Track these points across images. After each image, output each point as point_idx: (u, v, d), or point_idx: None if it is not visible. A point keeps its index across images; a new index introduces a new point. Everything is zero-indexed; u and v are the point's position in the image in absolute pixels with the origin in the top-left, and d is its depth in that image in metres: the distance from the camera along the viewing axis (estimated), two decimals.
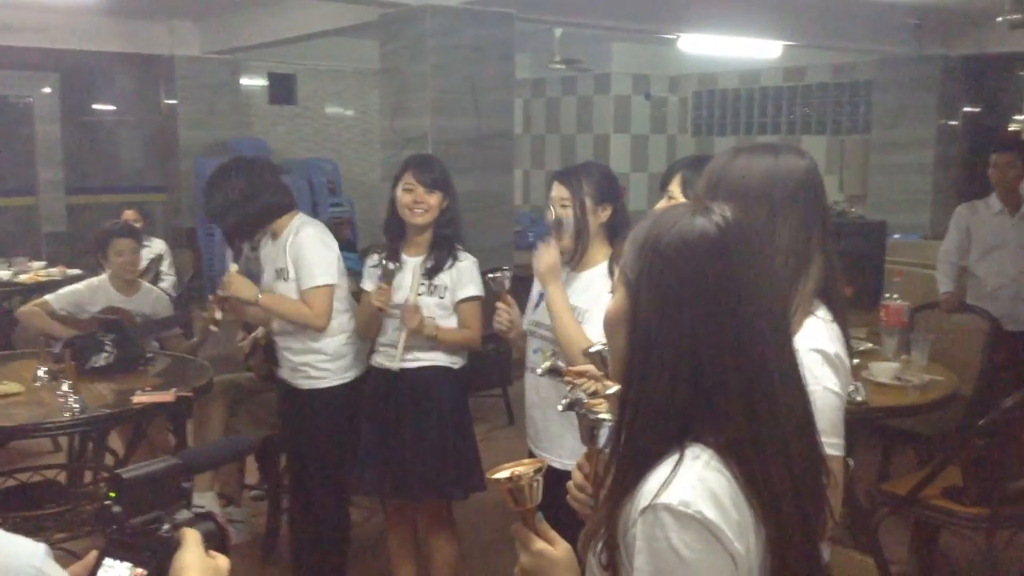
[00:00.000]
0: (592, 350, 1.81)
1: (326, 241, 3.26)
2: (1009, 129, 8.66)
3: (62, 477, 3.83)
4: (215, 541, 1.13)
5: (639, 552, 1.11)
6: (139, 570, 1.07)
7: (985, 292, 4.82)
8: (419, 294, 3.08)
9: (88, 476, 3.95)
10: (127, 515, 1.08)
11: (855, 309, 4.01)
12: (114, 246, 4.32)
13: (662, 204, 2.18)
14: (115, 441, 4.04)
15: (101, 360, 3.64)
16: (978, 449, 3.09)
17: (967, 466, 3.13)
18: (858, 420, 3.09)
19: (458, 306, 3.09)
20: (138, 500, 1.09)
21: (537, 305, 2.80)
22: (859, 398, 3.07)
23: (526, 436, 2.89)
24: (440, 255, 3.09)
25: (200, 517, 1.15)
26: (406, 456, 3.10)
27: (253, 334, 3.75)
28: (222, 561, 1.12)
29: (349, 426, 3.28)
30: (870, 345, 3.86)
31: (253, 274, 3.49)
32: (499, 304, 2.80)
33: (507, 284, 2.81)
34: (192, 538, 1.10)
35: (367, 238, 8.76)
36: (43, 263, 6.86)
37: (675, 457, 1.13)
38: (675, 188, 2.31)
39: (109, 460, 3.93)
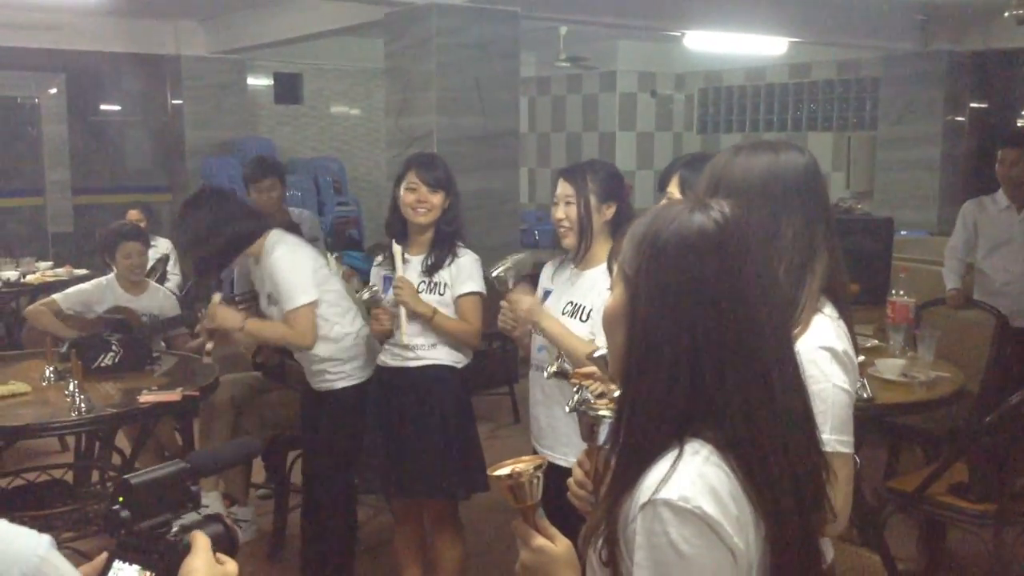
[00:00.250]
0: (596, 355, 1.81)
1: (296, 258, 3.23)
2: (1018, 124, 8.63)
3: (69, 476, 3.84)
4: (223, 544, 1.14)
5: (639, 547, 1.12)
6: (148, 573, 1.07)
7: (992, 288, 4.81)
8: (419, 292, 3.08)
9: (95, 475, 3.96)
10: (135, 520, 1.09)
11: (862, 306, 4.01)
12: (122, 249, 4.34)
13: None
14: (122, 440, 4.05)
15: (108, 360, 3.65)
16: (985, 446, 3.08)
17: (974, 463, 3.12)
18: (865, 417, 3.07)
19: (457, 301, 3.09)
20: (146, 504, 1.10)
21: (542, 303, 2.80)
22: (866, 395, 3.06)
23: (530, 433, 2.89)
24: (441, 252, 3.10)
25: (208, 519, 1.16)
26: (408, 455, 3.11)
27: None
28: (230, 566, 1.13)
29: (360, 426, 3.29)
30: (876, 342, 3.85)
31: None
32: (503, 303, 2.80)
33: (510, 283, 2.81)
34: (202, 543, 1.11)
35: (373, 237, 8.78)
36: (50, 263, 6.89)
37: (674, 453, 1.13)
38: (673, 188, 2.30)
39: (116, 459, 3.93)
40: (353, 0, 6.45)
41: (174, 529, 1.12)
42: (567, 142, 11.01)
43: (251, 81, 9.91)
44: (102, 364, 3.63)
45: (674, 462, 1.12)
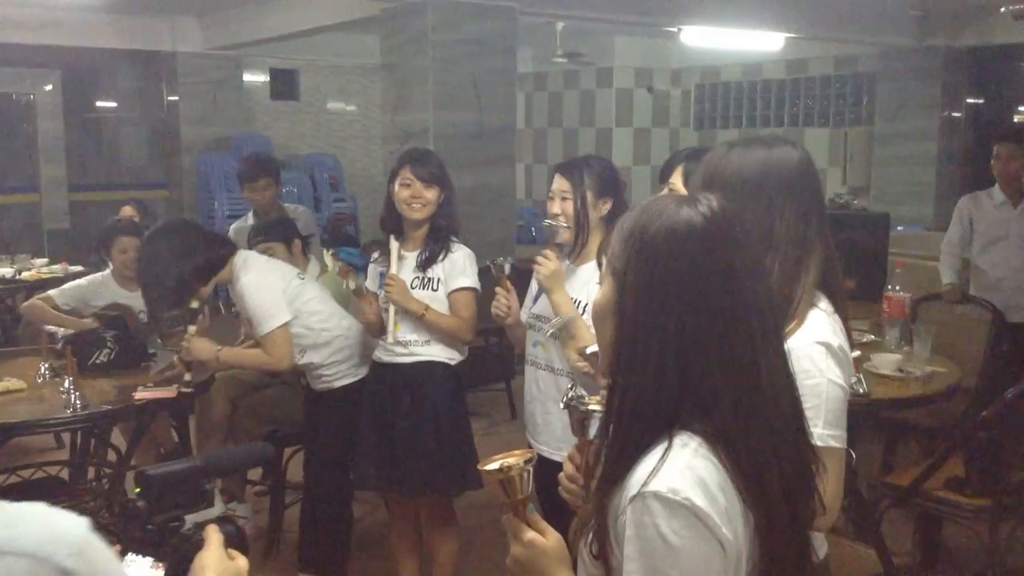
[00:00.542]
0: (589, 351, 1.81)
1: (263, 282, 3.20)
2: (1014, 120, 8.63)
3: (65, 474, 3.84)
4: (234, 541, 1.16)
5: (628, 540, 1.12)
6: (160, 565, 1.09)
7: (988, 283, 4.81)
8: (412, 287, 3.08)
9: (91, 472, 3.95)
10: (151, 512, 1.11)
11: (858, 301, 4.01)
12: (117, 244, 4.33)
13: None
14: (118, 437, 4.04)
15: (103, 356, 3.64)
16: (981, 440, 3.09)
17: (970, 457, 3.12)
18: (861, 412, 3.08)
19: (450, 296, 3.08)
20: (161, 498, 1.13)
21: (536, 299, 2.80)
22: (861, 390, 3.06)
23: (525, 429, 2.89)
24: (435, 247, 3.09)
25: (220, 520, 1.18)
26: (402, 452, 3.11)
27: None
28: (241, 562, 1.14)
29: (357, 423, 3.29)
30: (873, 337, 3.85)
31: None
32: (498, 289, 2.79)
33: (507, 269, 2.80)
34: (215, 538, 1.12)
35: (369, 233, 8.77)
36: (45, 260, 6.87)
37: (663, 445, 1.14)
38: (676, 180, 2.31)
39: (112, 456, 3.93)
40: None
41: (187, 525, 1.14)
42: (564, 138, 11.00)
43: (247, 77, 9.90)
44: (97, 361, 3.62)
45: (663, 455, 1.13)
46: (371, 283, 3.25)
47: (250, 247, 3.82)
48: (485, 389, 5.81)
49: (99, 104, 9.83)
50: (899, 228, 7.43)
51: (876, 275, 4.82)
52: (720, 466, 1.13)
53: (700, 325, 1.15)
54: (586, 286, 2.63)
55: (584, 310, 2.60)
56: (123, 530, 1.13)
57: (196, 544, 1.11)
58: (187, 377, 3.27)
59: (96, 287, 4.32)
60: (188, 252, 3.12)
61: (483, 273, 3.15)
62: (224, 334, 3.77)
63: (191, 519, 1.15)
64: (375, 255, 3.28)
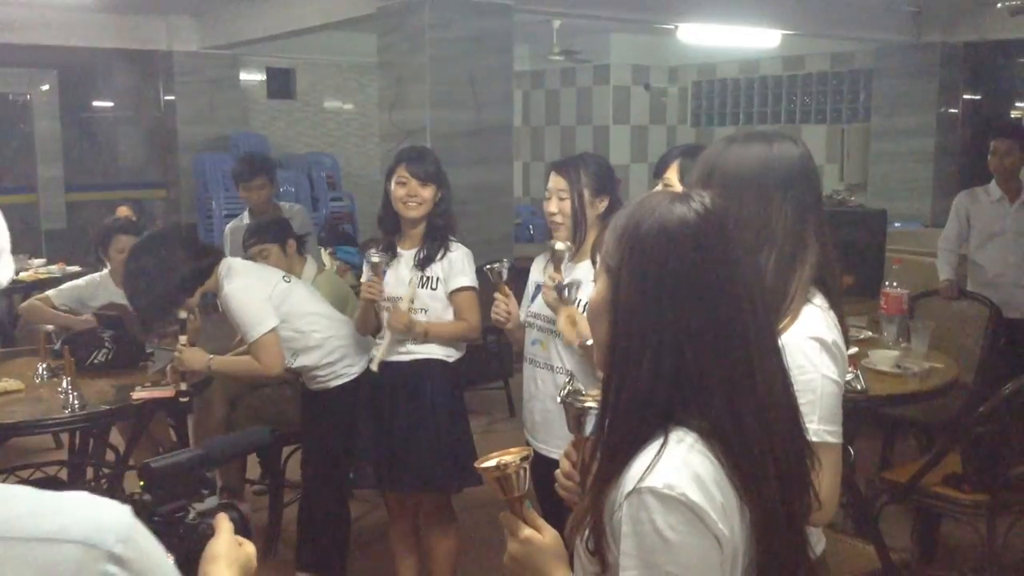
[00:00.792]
0: (589, 343, 1.82)
1: (247, 289, 3.18)
2: (1011, 116, 8.64)
3: (63, 474, 3.83)
4: (239, 528, 1.17)
5: (625, 536, 1.13)
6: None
7: (985, 279, 4.82)
8: (412, 286, 3.07)
9: (90, 472, 3.95)
10: (156, 504, 1.13)
11: (855, 297, 4.01)
12: (115, 243, 4.33)
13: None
14: (116, 437, 4.04)
15: (101, 356, 3.64)
16: (978, 436, 3.09)
17: (968, 454, 3.13)
18: (858, 408, 3.09)
19: (452, 297, 3.08)
20: (165, 489, 1.14)
21: (534, 297, 2.80)
22: (859, 386, 3.06)
23: (524, 427, 2.89)
24: (432, 246, 3.08)
25: (224, 506, 1.19)
26: (400, 449, 3.11)
27: None
28: (249, 548, 1.16)
29: (353, 421, 3.29)
30: (870, 333, 3.86)
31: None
32: (497, 295, 2.79)
33: (504, 275, 2.80)
34: (225, 526, 1.14)
35: (367, 232, 8.77)
36: (43, 260, 6.87)
37: (659, 441, 1.14)
38: (672, 176, 2.31)
39: (110, 456, 3.93)
40: None
41: (191, 515, 1.15)
42: (561, 136, 11.00)
43: (244, 76, 9.89)
44: (95, 361, 3.62)
45: (659, 451, 1.13)
46: (365, 277, 3.24)
47: (244, 249, 3.82)
48: (483, 387, 5.81)
49: (96, 104, 9.82)
50: (896, 224, 7.44)
51: (874, 271, 4.82)
52: (716, 461, 1.13)
53: (694, 321, 1.15)
54: (585, 283, 2.63)
55: (585, 308, 2.60)
56: None
57: (203, 533, 1.13)
58: (182, 387, 3.26)
59: (94, 287, 4.31)
60: (172, 265, 3.10)
61: (480, 273, 3.15)
62: (218, 332, 3.77)
63: (195, 508, 1.16)
64: (371, 252, 3.27)
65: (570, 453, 1.48)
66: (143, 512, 1.11)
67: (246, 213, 4.94)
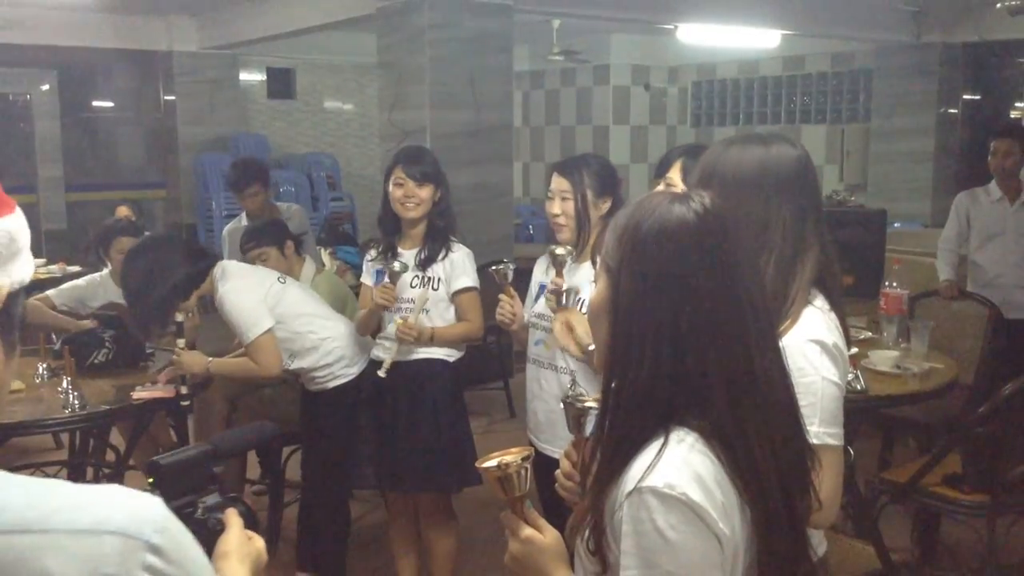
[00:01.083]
0: (592, 348, 1.82)
1: (241, 291, 3.17)
2: (1011, 116, 8.64)
3: (64, 474, 3.84)
4: (246, 521, 1.18)
5: (625, 535, 1.13)
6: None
7: (985, 280, 4.81)
8: (412, 286, 3.07)
9: (90, 472, 3.96)
10: (165, 500, 1.13)
11: (855, 297, 4.01)
12: (116, 244, 4.32)
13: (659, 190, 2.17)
14: (116, 437, 4.04)
15: (101, 356, 3.64)
16: (978, 437, 3.09)
17: (967, 454, 3.13)
18: (858, 409, 3.09)
19: (455, 298, 3.08)
20: (173, 485, 1.14)
21: (537, 297, 2.80)
22: (859, 387, 3.07)
23: (526, 427, 2.89)
24: (433, 246, 3.08)
25: (231, 500, 1.19)
26: (400, 449, 3.11)
27: None
28: (259, 542, 1.16)
29: (354, 422, 3.29)
30: (870, 333, 3.86)
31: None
32: (502, 296, 2.79)
33: (509, 276, 2.80)
34: (236, 521, 1.14)
35: (367, 232, 8.77)
36: (43, 260, 6.86)
37: (660, 441, 1.14)
38: (675, 175, 2.30)
39: (110, 456, 3.93)
40: None
41: (199, 510, 1.15)
42: (561, 136, 11.00)
43: (244, 76, 9.89)
44: (95, 361, 3.62)
45: (659, 450, 1.13)
46: (366, 279, 3.24)
47: (242, 252, 3.82)
48: (483, 388, 5.81)
49: (96, 104, 9.82)
50: (896, 225, 7.44)
51: (873, 272, 4.82)
52: (716, 461, 1.13)
53: (694, 321, 1.15)
54: (586, 284, 2.63)
55: (586, 308, 2.61)
56: None
57: (212, 529, 1.13)
58: (183, 390, 3.26)
59: (94, 287, 4.31)
60: (168, 269, 3.09)
61: (482, 274, 3.15)
62: (215, 333, 3.76)
63: (202, 503, 1.16)
64: (371, 253, 3.27)
65: (570, 453, 1.48)
66: None
67: (243, 215, 4.94)
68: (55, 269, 6.43)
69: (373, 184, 9.20)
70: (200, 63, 9.09)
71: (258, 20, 8.03)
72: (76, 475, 3.92)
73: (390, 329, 3.11)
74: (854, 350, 2.87)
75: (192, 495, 1.15)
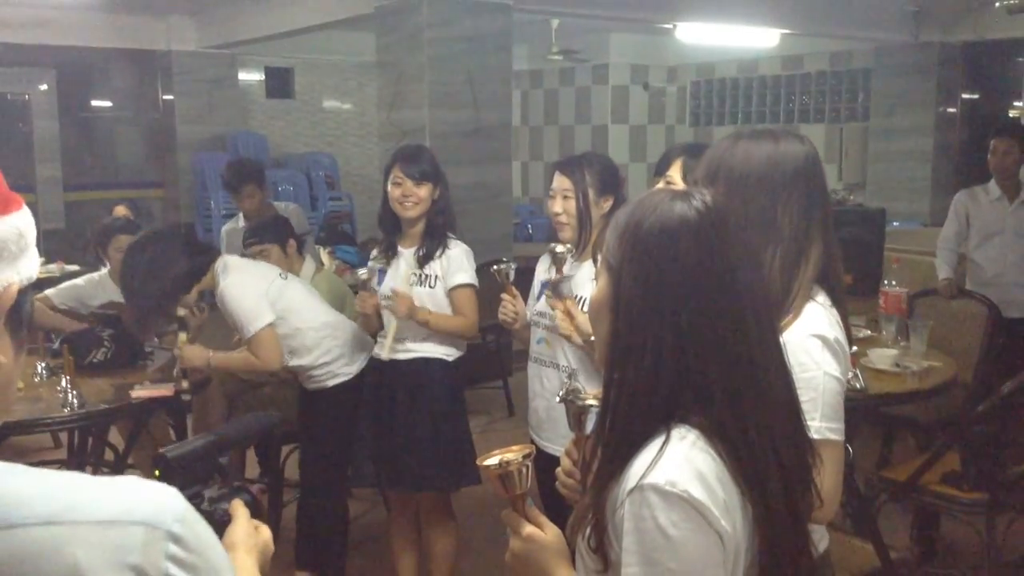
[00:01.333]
0: (593, 338, 1.82)
1: (244, 284, 3.16)
2: (1009, 115, 8.64)
3: None
4: (252, 510, 1.18)
5: (627, 533, 1.13)
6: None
7: (984, 278, 4.82)
8: (411, 284, 3.08)
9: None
10: None
11: (854, 296, 4.00)
12: (115, 243, 4.32)
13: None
14: (115, 436, 4.04)
15: (100, 355, 3.64)
16: (977, 435, 3.09)
17: (966, 452, 3.13)
18: (857, 407, 3.08)
19: (451, 294, 3.08)
20: (181, 477, 1.14)
21: (539, 296, 2.81)
22: (858, 385, 3.06)
23: (528, 425, 2.89)
24: (431, 244, 3.08)
25: (236, 489, 1.19)
26: (399, 448, 3.11)
27: None
28: (265, 532, 1.17)
29: (353, 421, 3.29)
30: (869, 332, 3.86)
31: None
32: (504, 296, 2.79)
33: (511, 276, 2.80)
34: (242, 512, 1.15)
35: (366, 231, 8.78)
36: (41, 259, 6.82)
37: (661, 439, 1.14)
38: (675, 174, 2.30)
39: (109, 455, 3.93)
40: None
41: (204, 501, 1.15)
42: (560, 135, 11.00)
43: (242, 76, 9.88)
44: (94, 360, 3.62)
45: (661, 448, 1.13)
46: (372, 281, 3.24)
47: (245, 249, 3.81)
48: (482, 387, 5.81)
49: (94, 103, 9.81)
50: (895, 224, 7.44)
51: (872, 271, 4.82)
52: (718, 458, 1.13)
53: (695, 319, 1.15)
54: (590, 282, 2.63)
55: (587, 307, 2.61)
56: None
57: (218, 520, 1.13)
58: (184, 385, 3.25)
59: (93, 286, 4.31)
60: (168, 263, 3.08)
61: (481, 271, 3.15)
62: (219, 330, 3.76)
63: (207, 494, 1.17)
64: (373, 253, 3.28)
65: (571, 451, 1.48)
66: None
67: (240, 216, 4.94)
68: (53, 268, 6.42)
69: (372, 183, 9.21)
70: (199, 63, 9.08)
71: (257, 19, 8.02)
72: None
73: (382, 349, 3.13)
74: (853, 348, 2.87)
75: (199, 485, 1.16)
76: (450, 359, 3.14)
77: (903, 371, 3.37)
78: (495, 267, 2.79)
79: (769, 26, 7.85)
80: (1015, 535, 3.36)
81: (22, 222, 0.88)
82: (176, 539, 0.79)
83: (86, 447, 4.12)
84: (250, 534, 1.14)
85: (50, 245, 8.75)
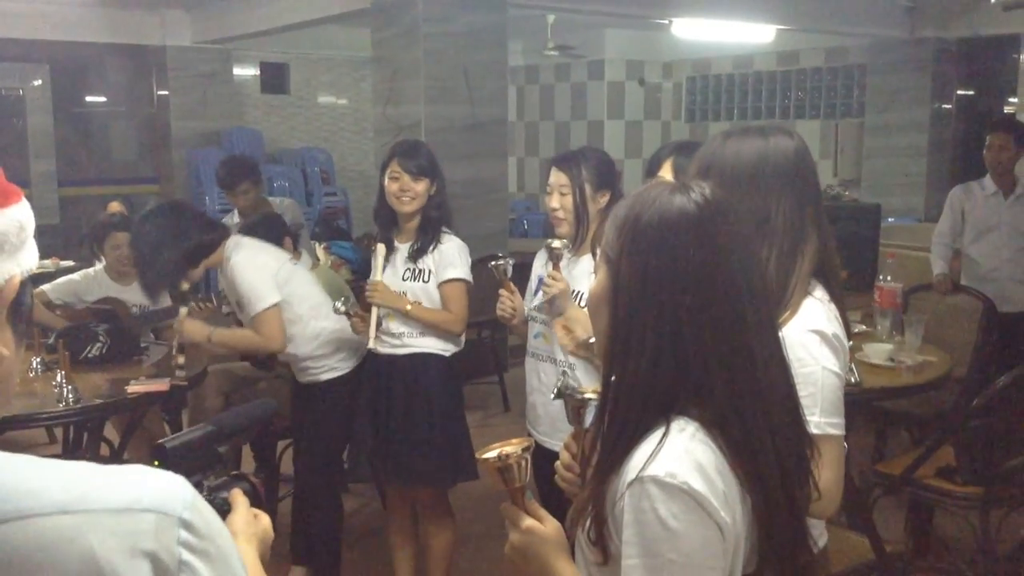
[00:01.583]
0: (592, 341, 1.82)
1: (255, 262, 3.18)
2: (1005, 110, 8.66)
3: None
4: (251, 498, 1.19)
5: (627, 525, 1.13)
6: None
7: (979, 274, 4.83)
8: (404, 279, 3.08)
9: None
10: None
11: (850, 291, 4.01)
12: (110, 240, 4.32)
13: None
14: (110, 431, 4.03)
15: (95, 350, 3.63)
16: (972, 429, 3.10)
17: (961, 446, 3.14)
18: (852, 402, 3.08)
19: (441, 288, 3.08)
20: (179, 468, 1.13)
21: (536, 291, 2.81)
22: (854, 379, 3.07)
23: (525, 420, 2.90)
24: (426, 239, 3.08)
25: (235, 478, 1.20)
26: (396, 443, 3.12)
27: None
28: (265, 520, 1.18)
29: (348, 416, 3.29)
30: (864, 327, 3.87)
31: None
32: (502, 291, 2.79)
33: (509, 271, 2.81)
34: (241, 501, 1.16)
35: (361, 226, 8.76)
36: (36, 255, 6.83)
37: (661, 431, 1.15)
38: (666, 174, 2.30)
39: (104, 450, 3.92)
40: None
41: (204, 490, 1.15)
42: (555, 131, 11.00)
43: (237, 71, 9.85)
44: (90, 355, 3.61)
45: (661, 440, 1.13)
46: (377, 275, 3.24)
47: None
48: (479, 382, 5.82)
49: (88, 99, 9.78)
50: (890, 219, 7.46)
51: (868, 266, 4.84)
52: (717, 450, 1.13)
53: (694, 312, 1.15)
54: (586, 277, 2.64)
55: (584, 302, 2.61)
56: None
57: (218, 509, 1.13)
58: (180, 360, 3.25)
59: (89, 282, 4.31)
60: (179, 234, 3.10)
61: (478, 267, 3.15)
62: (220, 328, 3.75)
63: (207, 483, 1.17)
64: (380, 248, 3.27)
65: (570, 445, 1.48)
66: None
67: (235, 211, 4.93)
68: (48, 264, 6.40)
69: (367, 179, 9.20)
70: (193, 58, 9.05)
71: (251, 14, 8.00)
72: None
73: (370, 340, 3.13)
74: (849, 343, 2.88)
75: (198, 475, 1.16)
76: (446, 354, 3.14)
77: (898, 366, 3.38)
78: (493, 263, 2.79)
79: (764, 22, 7.85)
80: (1009, 529, 3.37)
81: (22, 214, 0.88)
82: (187, 526, 0.80)
83: (81, 442, 4.11)
84: (250, 522, 1.14)
85: (44, 241, 8.71)
